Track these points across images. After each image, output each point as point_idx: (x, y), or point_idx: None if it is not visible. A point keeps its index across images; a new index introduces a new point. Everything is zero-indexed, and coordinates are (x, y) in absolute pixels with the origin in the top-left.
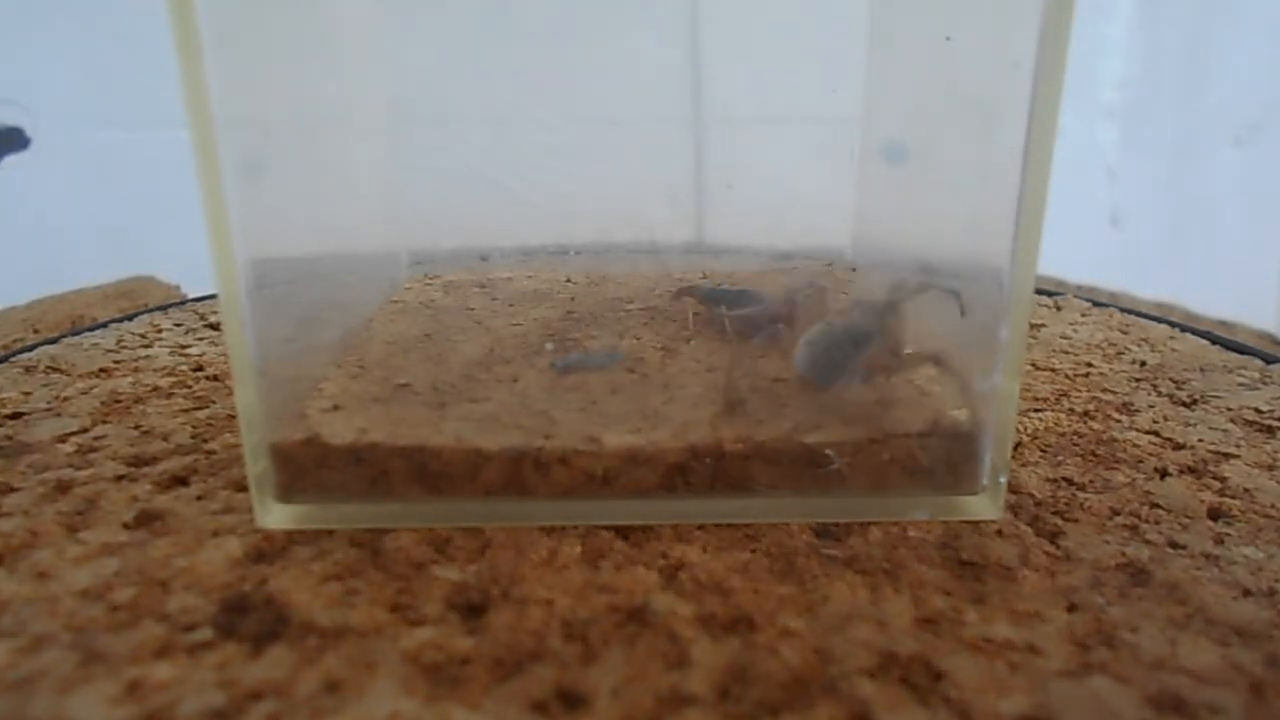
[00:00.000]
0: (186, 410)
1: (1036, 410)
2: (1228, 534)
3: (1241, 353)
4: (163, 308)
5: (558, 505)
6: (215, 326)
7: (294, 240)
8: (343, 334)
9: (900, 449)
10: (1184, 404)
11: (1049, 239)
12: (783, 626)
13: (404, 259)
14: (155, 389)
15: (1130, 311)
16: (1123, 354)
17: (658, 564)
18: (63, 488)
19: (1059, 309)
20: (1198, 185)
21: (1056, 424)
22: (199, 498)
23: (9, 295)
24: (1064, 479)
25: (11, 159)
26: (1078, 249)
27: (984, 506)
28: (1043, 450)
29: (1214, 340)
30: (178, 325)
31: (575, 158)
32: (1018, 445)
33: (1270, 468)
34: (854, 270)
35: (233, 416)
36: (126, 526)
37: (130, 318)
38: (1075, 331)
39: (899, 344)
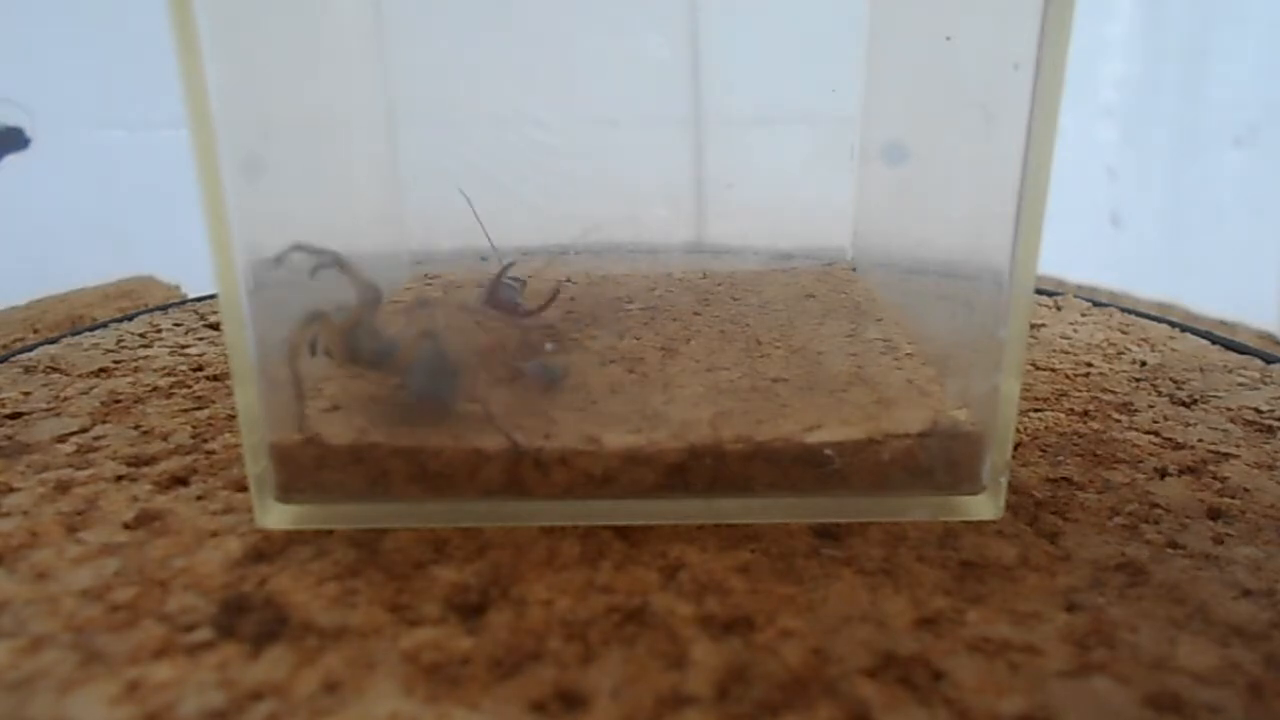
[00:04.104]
0: (186, 410)
1: (1036, 410)
2: (1227, 534)
3: (1241, 353)
4: (163, 308)
5: (557, 505)
6: (215, 326)
7: (294, 240)
8: None
9: (900, 449)
10: (1184, 404)
11: (1049, 239)
12: (782, 626)
13: (404, 259)
14: (155, 389)
15: (1130, 311)
16: (1123, 354)
17: (657, 564)
18: (63, 488)
19: (1059, 309)
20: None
21: (1056, 424)
22: (199, 498)
23: (9, 295)
24: (1064, 479)
25: (11, 159)
26: (1078, 249)
27: (984, 506)
28: (1043, 450)
29: (1214, 340)
30: (178, 325)
31: (575, 158)
32: (1018, 445)
33: (1270, 468)
34: (854, 270)
35: (233, 416)
36: (126, 526)
37: (130, 318)
38: (1075, 331)
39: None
